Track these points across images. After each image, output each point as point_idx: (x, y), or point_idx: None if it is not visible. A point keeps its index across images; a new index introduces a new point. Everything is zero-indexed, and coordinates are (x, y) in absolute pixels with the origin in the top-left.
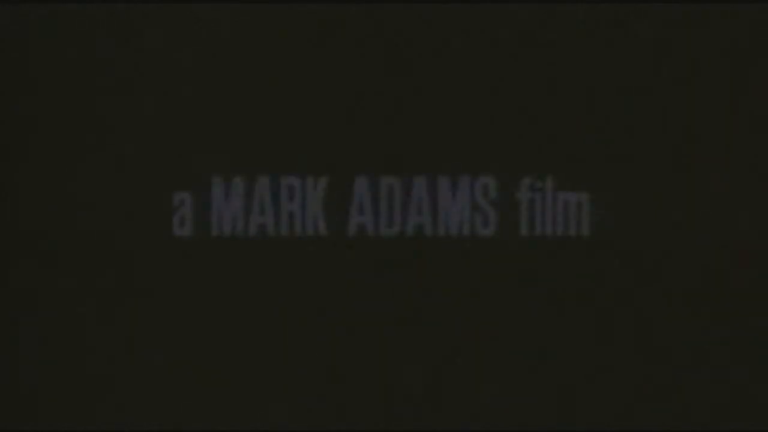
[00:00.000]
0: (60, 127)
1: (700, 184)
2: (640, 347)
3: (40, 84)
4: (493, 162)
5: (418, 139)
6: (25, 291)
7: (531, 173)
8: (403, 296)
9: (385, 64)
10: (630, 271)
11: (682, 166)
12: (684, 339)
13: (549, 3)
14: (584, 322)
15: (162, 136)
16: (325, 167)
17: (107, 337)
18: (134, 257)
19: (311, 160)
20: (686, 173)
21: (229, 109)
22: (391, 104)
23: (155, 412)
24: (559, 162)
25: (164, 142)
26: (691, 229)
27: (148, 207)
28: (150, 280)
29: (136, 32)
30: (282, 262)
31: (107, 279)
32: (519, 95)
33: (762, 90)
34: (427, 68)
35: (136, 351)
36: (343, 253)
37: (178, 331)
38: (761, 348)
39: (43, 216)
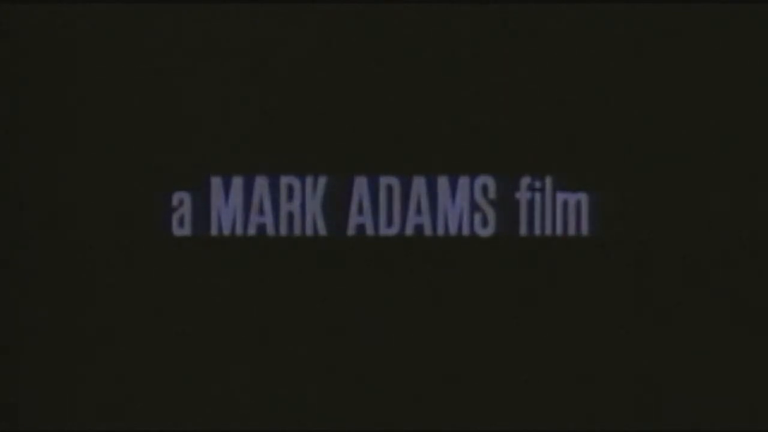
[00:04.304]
0: (60, 126)
1: (699, 183)
2: (641, 347)
3: (40, 84)
4: (493, 162)
5: (417, 139)
6: (24, 290)
7: (531, 173)
8: (402, 296)
9: (384, 64)
10: (630, 270)
11: (682, 166)
12: (684, 338)
13: (549, 3)
14: (584, 322)
15: (161, 135)
16: (325, 167)
17: (106, 337)
18: (134, 256)
19: (310, 160)
20: (686, 173)
21: (228, 109)
22: (390, 104)
23: (155, 411)
24: (558, 162)
25: (164, 141)
26: (690, 229)
27: (147, 206)
28: (149, 280)
29: (136, 32)
30: (281, 262)
31: (107, 278)
32: (518, 95)
33: (762, 90)
34: (427, 68)
35: (134, 350)
36: (342, 253)
37: (177, 330)
38: (762, 347)
39: (42, 215)
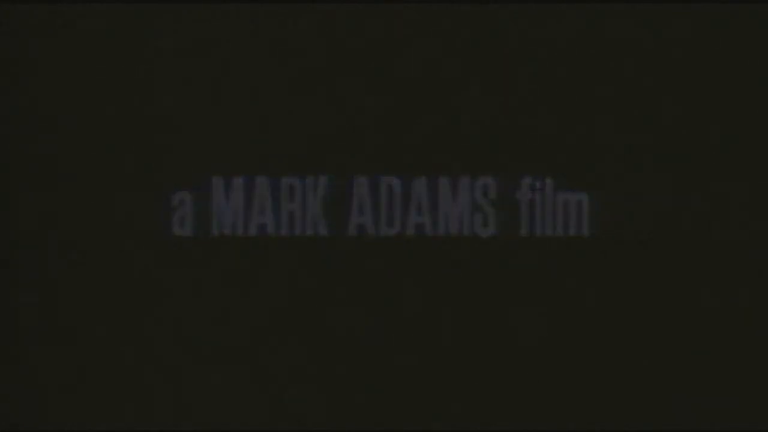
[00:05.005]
0: (60, 126)
1: (700, 184)
2: (640, 347)
3: (39, 83)
4: (493, 162)
5: (418, 139)
6: (24, 290)
7: (531, 173)
8: (403, 296)
9: (385, 64)
10: (630, 270)
11: (682, 166)
12: (684, 338)
13: (549, 3)
14: (584, 322)
15: (162, 135)
16: (325, 167)
17: (106, 337)
18: (134, 257)
19: (311, 160)
20: (686, 173)
21: (229, 109)
22: (391, 104)
23: (155, 412)
24: (559, 162)
25: (164, 142)
26: (691, 229)
27: (148, 207)
28: (150, 280)
29: (137, 32)
30: (282, 262)
31: (107, 278)
32: (519, 95)
33: (762, 90)
34: (428, 68)
35: (135, 351)
36: (343, 254)
37: (178, 330)
38: (762, 347)
39: (42, 215)
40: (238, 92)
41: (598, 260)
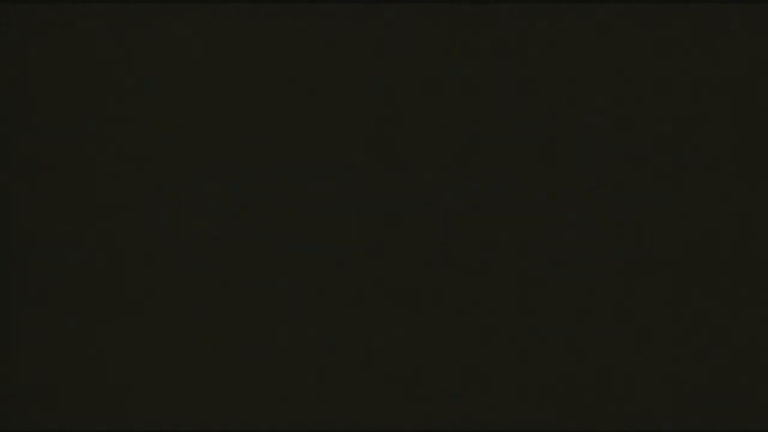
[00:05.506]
0: (60, 127)
1: (699, 184)
2: (640, 346)
3: (40, 85)
4: (495, 162)
5: (419, 139)
6: (25, 289)
7: (531, 173)
8: (403, 296)
9: (386, 66)
10: (630, 270)
11: (681, 167)
12: (684, 338)
13: (550, 4)
14: (585, 321)
15: (163, 136)
16: (325, 167)
17: (107, 336)
18: (134, 255)
19: (311, 160)
20: (686, 173)
21: (230, 110)
22: (392, 105)
23: (156, 410)
24: (558, 162)
25: (165, 141)
26: (690, 229)
27: (148, 206)
28: (150, 278)
29: (137, 32)
30: (281, 262)
31: (108, 277)
32: (521, 97)
33: (761, 91)
34: (429, 70)
35: (134, 350)
36: (343, 253)
37: (178, 329)
38: (760, 346)
39: (43, 215)
40: (240, 94)
41: (597, 260)
